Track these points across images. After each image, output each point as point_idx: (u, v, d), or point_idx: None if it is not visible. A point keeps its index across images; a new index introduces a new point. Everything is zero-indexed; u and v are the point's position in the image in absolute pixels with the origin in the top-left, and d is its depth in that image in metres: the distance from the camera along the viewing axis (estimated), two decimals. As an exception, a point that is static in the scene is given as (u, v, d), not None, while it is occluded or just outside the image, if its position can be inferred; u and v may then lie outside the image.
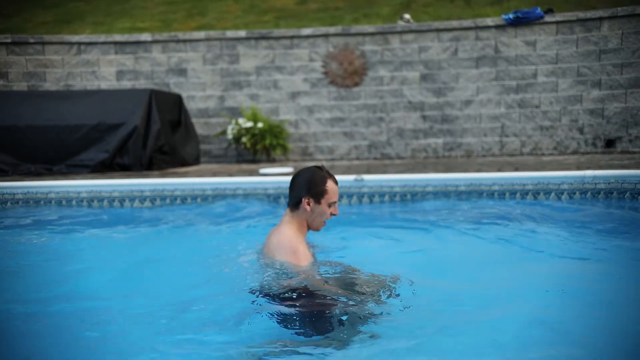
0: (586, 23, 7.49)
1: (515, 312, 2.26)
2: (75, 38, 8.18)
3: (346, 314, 2.05)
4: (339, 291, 2.21)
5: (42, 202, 4.83)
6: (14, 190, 4.81)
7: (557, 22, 7.60)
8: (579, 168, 5.20)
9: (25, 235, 3.89)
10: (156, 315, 2.22)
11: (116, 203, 4.86)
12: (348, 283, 2.33)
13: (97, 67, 8.18)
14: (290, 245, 2.37)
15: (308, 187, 2.42)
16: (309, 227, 2.49)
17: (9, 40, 7.98)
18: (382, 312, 2.10)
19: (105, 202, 4.85)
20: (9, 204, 4.77)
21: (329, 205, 2.44)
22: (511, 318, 2.20)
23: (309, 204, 2.42)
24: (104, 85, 8.17)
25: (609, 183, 4.47)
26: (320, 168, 2.48)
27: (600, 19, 7.43)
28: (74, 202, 4.85)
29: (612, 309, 2.34)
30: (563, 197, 4.57)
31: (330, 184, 2.44)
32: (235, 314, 2.17)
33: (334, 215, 2.48)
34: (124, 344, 1.99)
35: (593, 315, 2.27)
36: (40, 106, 6.70)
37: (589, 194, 4.52)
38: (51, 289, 2.64)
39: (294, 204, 2.45)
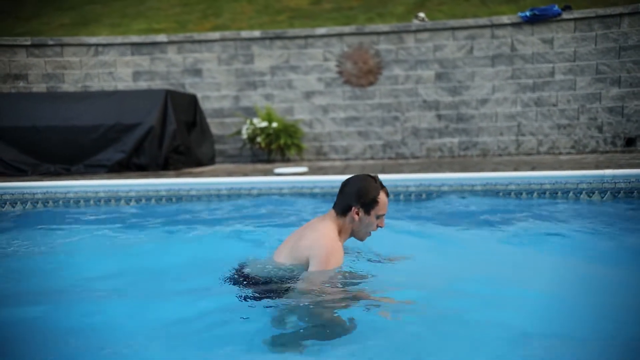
0: (605, 20, 7.36)
1: (528, 312, 2.23)
2: (92, 40, 8.29)
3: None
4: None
5: (60, 202, 4.90)
6: (33, 190, 4.90)
7: (575, 19, 7.48)
8: (597, 167, 5.11)
9: (44, 234, 3.96)
10: (169, 314, 2.24)
11: (133, 203, 4.92)
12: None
13: (114, 68, 8.28)
14: (328, 249, 2.27)
15: (359, 196, 2.36)
16: (352, 235, 2.43)
17: (28, 43, 8.12)
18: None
19: (122, 202, 4.91)
20: (29, 204, 4.86)
21: (377, 217, 2.39)
22: (523, 318, 2.17)
23: (357, 214, 2.36)
24: (120, 86, 8.27)
25: (629, 182, 4.38)
26: (374, 178, 2.43)
27: (621, 15, 7.29)
28: (91, 202, 4.92)
29: (632, 312, 2.29)
30: (581, 197, 4.50)
31: (382, 196, 2.39)
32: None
33: (380, 227, 2.42)
34: (140, 343, 2.01)
35: (611, 316, 2.23)
36: (59, 107, 6.81)
37: (608, 193, 4.44)
38: (66, 287, 2.68)
39: (342, 210, 2.37)
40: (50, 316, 2.24)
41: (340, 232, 2.39)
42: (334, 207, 2.42)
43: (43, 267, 3.14)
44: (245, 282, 2.34)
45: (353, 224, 2.38)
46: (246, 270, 2.44)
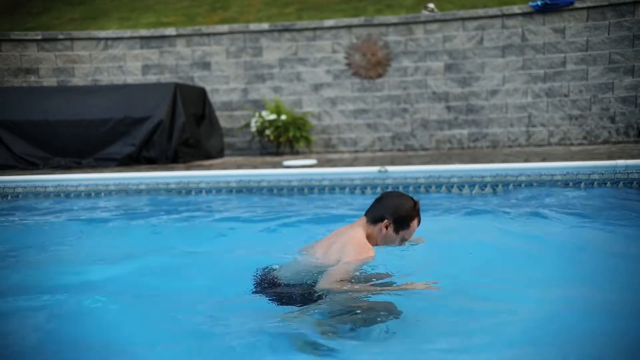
0: (619, 8, 7.24)
1: (537, 304, 2.22)
2: (102, 34, 8.32)
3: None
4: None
5: (72, 195, 4.95)
6: (45, 184, 4.95)
7: (587, 8, 7.37)
8: (610, 158, 5.04)
9: (56, 227, 4.00)
10: (178, 307, 2.24)
11: (143, 195, 4.95)
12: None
13: (124, 61, 8.32)
14: (358, 244, 2.31)
15: (395, 211, 2.39)
16: (376, 244, 2.48)
17: (39, 37, 8.17)
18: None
19: (133, 195, 4.94)
20: (41, 196, 4.91)
21: (402, 240, 2.44)
22: (534, 309, 2.16)
23: (387, 227, 2.39)
24: (130, 79, 8.30)
25: (642, 173, 4.32)
26: (415, 202, 2.45)
27: (635, 2, 7.16)
28: (102, 195, 4.96)
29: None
30: (594, 187, 4.45)
31: (414, 223, 2.43)
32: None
33: (402, 244, 2.48)
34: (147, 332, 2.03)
35: (620, 306, 2.21)
36: (69, 101, 6.86)
37: (620, 184, 4.38)
38: (75, 279, 2.70)
39: (374, 218, 2.41)
40: (57, 308, 2.25)
41: (368, 238, 2.43)
42: (365, 214, 2.47)
43: (53, 259, 3.18)
44: (272, 287, 2.30)
45: (379, 234, 2.42)
46: (276, 275, 2.38)
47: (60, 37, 8.23)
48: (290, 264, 2.46)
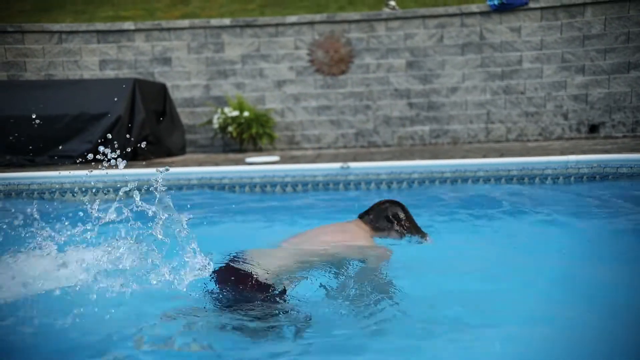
0: (570, 9, 7.52)
1: (500, 300, 2.28)
2: (56, 27, 8.01)
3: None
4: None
5: (24, 194, 4.76)
6: (-5, 182, 4.73)
7: (541, 8, 7.62)
8: (562, 153, 5.25)
9: (6, 227, 3.83)
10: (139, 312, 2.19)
11: (100, 194, 4.80)
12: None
13: (80, 56, 8.04)
14: (381, 249, 2.59)
15: (393, 221, 2.77)
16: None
17: (-14, 30, 7.80)
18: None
19: (89, 193, 4.79)
20: (-10, 196, 4.69)
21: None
22: (498, 307, 2.22)
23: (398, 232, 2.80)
24: (86, 75, 8.03)
25: (591, 167, 4.52)
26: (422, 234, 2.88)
27: (584, 4, 7.46)
28: (56, 194, 4.78)
29: (595, 291, 2.37)
30: (547, 182, 4.62)
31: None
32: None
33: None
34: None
35: (575, 298, 2.30)
36: (21, 96, 6.58)
37: (572, 178, 4.57)
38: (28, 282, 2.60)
39: (379, 228, 2.74)
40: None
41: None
42: (362, 218, 2.78)
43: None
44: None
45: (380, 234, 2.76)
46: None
47: (10, 29, 7.87)
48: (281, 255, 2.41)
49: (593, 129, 7.69)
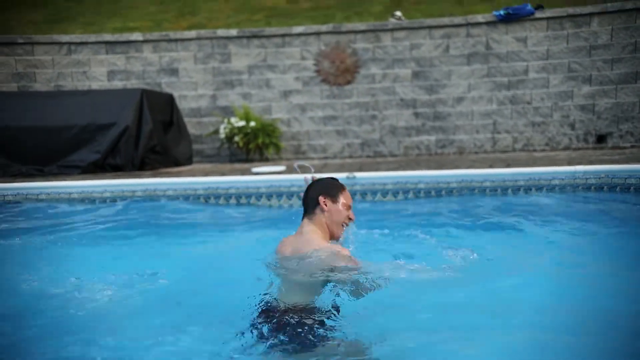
0: (576, 19, 7.53)
1: (504, 309, 2.27)
2: (65, 38, 8.12)
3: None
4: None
5: (33, 203, 4.79)
6: (4, 192, 4.77)
7: (547, 18, 7.63)
8: (570, 164, 5.22)
9: (14, 236, 3.86)
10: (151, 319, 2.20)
11: (108, 203, 4.83)
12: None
13: (88, 67, 8.13)
14: (332, 250, 2.28)
15: (323, 188, 2.47)
16: (331, 236, 2.45)
17: (-4, 41, 7.91)
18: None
19: (97, 203, 4.82)
20: (-1, 205, 4.73)
21: (347, 211, 2.45)
22: (500, 313, 2.21)
23: (325, 204, 2.41)
24: (95, 85, 8.12)
25: (599, 178, 4.49)
26: (333, 178, 2.57)
27: (590, 14, 7.46)
28: (65, 203, 4.82)
29: (601, 297, 2.36)
30: (554, 192, 4.59)
31: (344, 189, 2.51)
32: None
33: (351, 220, 2.48)
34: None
35: (580, 304, 2.29)
36: (31, 107, 6.65)
37: (580, 189, 4.54)
38: (31, 292, 2.61)
39: (312, 207, 2.43)
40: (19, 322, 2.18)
41: (322, 235, 2.41)
42: (304, 216, 2.46)
43: (11, 272, 3.07)
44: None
45: (325, 217, 2.41)
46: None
47: (20, 40, 7.98)
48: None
49: (600, 139, 7.65)
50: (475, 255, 2.65)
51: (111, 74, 8.15)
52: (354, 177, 4.77)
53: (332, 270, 2.20)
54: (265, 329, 2.02)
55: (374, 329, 2.08)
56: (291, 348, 1.91)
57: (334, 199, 2.43)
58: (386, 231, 3.67)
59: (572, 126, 7.74)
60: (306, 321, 2.03)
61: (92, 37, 8.13)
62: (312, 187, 2.52)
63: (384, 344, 1.95)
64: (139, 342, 2.05)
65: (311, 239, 2.34)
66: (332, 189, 2.47)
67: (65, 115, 6.60)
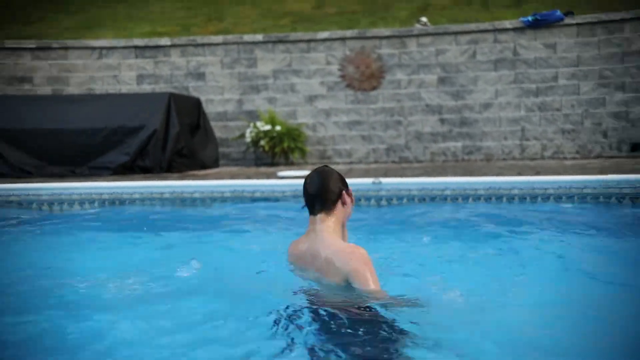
0: (608, 25, 7.37)
1: (531, 318, 2.22)
2: (97, 43, 8.33)
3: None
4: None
5: (65, 203, 4.92)
6: (39, 192, 4.91)
7: (577, 24, 7.50)
8: (602, 172, 5.11)
9: (51, 234, 3.97)
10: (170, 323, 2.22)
11: (137, 205, 4.92)
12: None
13: (118, 71, 8.32)
14: (354, 252, 2.13)
15: (340, 180, 2.30)
16: (341, 233, 2.32)
17: (33, 46, 8.17)
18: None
19: (127, 204, 4.92)
20: (34, 204, 4.87)
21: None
22: (528, 323, 2.17)
23: (349, 195, 2.30)
24: (124, 89, 8.30)
25: (635, 188, 4.37)
26: (329, 167, 2.42)
27: (622, 20, 7.30)
28: (96, 204, 4.93)
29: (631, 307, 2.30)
30: (586, 201, 4.49)
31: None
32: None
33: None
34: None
35: (617, 321, 2.22)
36: (64, 109, 6.85)
37: (613, 198, 4.43)
38: (68, 291, 2.67)
39: (332, 202, 2.24)
40: (52, 323, 2.22)
41: (339, 233, 2.29)
42: (317, 211, 2.27)
43: (47, 268, 3.14)
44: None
45: (343, 212, 2.29)
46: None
47: (55, 45, 8.22)
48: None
49: (635, 147, 7.45)
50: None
51: (140, 78, 8.32)
52: (380, 183, 4.76)
53: (349, 279, 2.10)
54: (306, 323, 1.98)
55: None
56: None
57: (349, 191, 2.32)
58: (413, 237, 3.64)
59: (605, 134, 7.57)
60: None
61: (122, 42, 8.33)
62: (328, 179, 2.27)
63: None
64: (186, 331, 2.08)
65: (328, 239, 2.21)
66: (344, 181, 2.33)
67: (96, 118, 6.76)
